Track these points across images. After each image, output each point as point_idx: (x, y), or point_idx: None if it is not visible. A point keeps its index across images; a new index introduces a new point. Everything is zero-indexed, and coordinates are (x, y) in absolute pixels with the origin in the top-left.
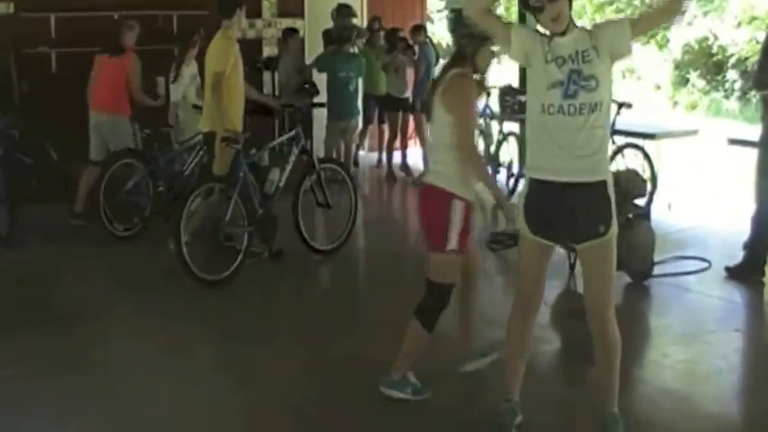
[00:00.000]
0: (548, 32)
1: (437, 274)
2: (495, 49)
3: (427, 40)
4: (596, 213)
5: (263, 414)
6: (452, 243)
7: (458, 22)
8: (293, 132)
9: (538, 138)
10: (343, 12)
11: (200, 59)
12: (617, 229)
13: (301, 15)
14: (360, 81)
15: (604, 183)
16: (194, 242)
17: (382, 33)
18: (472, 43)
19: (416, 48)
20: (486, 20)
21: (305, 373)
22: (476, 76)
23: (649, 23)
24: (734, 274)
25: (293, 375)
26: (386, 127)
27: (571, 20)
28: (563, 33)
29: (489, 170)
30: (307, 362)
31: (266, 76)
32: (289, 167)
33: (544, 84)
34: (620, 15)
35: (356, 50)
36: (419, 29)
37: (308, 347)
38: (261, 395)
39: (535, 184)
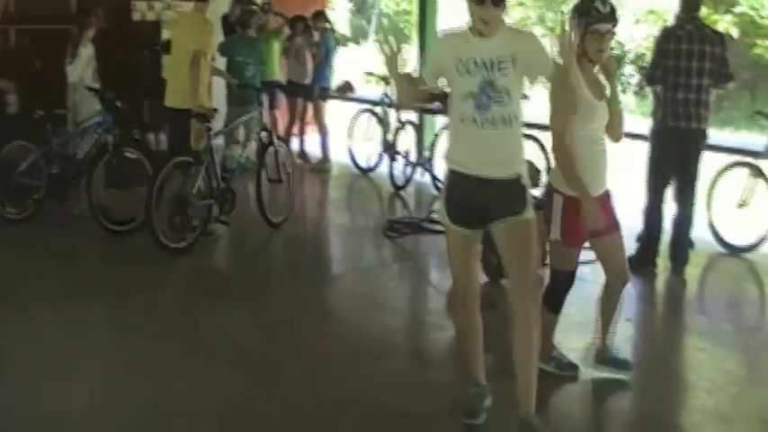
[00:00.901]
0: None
1: (552, 260)
2: (600, 27)
3: (328, 27)
4: (511, 199)
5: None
6: (553, 233)
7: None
8: (253, 111)
9: (456, 138)
10: None
11: (96, 42)
12: (533, 215)
13: None
14: (258, 67)
15: (519, 176)
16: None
17: (272, 16)
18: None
19: (317, 34)
20: (418, 97)
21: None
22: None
23: (550, 93)
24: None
25: (198, 370)
26: (278, 113)
27: (501, 22)
28: (487, 35)
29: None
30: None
31: (166, 59)
32: (251, 144)
33: (457, 94)
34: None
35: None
36: (320, 15)
37: (208, 340)
38: (159, 389)
39: (454, 176)
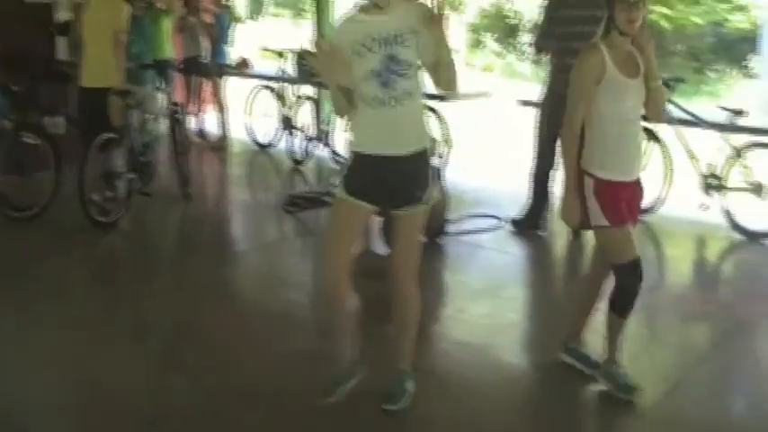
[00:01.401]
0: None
1: (608, 255)
2: None
3: (223, 3)
4: (417, 181)
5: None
6: (597, 219)
7: None
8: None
9: (360, 121)
10: None
11: None
12: (437, 195)
13: None
14: (144, 45)
15: (425, 150)
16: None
17: None
18: (608, 5)
19: (209, 16)
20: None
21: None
22: (623, 41)
23: (433, 70)
24: (518, 226)
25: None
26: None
27: None
28: (383, 8)
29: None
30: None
31: (62, 42)
32: (164, 119)
33: (359, 74)
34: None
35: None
36: None
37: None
38: (63, 379)
39: (359, 158)
